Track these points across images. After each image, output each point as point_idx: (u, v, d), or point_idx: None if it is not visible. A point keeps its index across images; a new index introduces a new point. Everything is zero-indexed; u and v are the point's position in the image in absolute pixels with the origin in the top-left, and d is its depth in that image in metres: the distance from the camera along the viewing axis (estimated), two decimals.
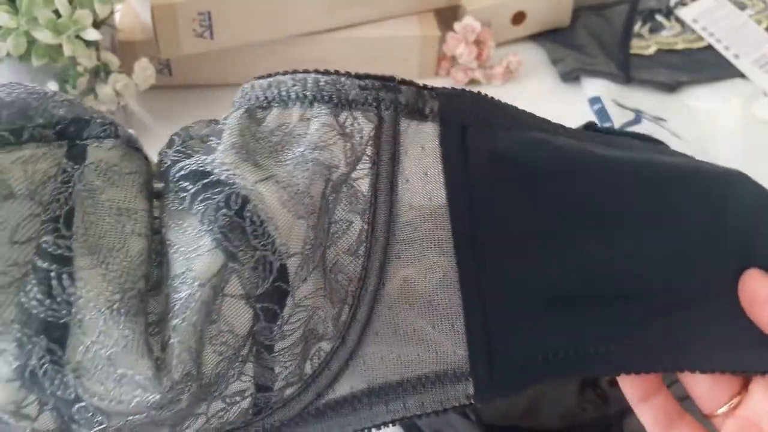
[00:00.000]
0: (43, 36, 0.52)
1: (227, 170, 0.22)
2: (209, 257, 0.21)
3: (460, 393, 0.26)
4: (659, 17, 0.68)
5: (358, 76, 0.24)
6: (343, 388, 0.26)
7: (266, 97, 0.24)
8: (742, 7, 0.67)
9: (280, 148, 0.24)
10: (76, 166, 0.22)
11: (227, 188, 0.22)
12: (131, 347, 0.21)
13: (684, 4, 0.68)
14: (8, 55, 0.54)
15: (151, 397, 0.21)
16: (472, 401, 0.26)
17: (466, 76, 0.63)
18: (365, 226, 0.25)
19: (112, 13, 0.55)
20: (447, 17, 0.64)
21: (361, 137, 0.24)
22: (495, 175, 0.25)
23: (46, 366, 0.21)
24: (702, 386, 0.29)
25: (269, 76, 0.24)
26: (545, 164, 0.26)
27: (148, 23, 0.57)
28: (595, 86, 0.61)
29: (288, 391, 0.26)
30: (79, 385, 0.21)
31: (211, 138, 0.24)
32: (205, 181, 0.22)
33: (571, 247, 0.26)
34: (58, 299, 0.21)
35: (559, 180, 0.26)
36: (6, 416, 0.22)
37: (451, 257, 0.25)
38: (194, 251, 0.22)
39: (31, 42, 0.53)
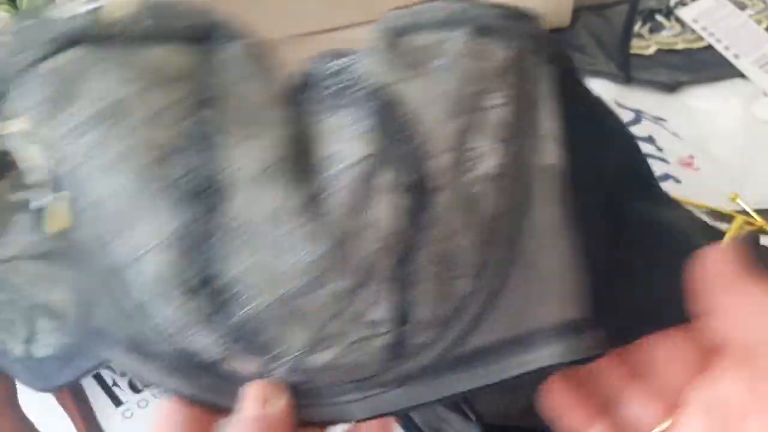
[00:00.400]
0: None
1: (377, 67, 0.24)
2: (361, 142, 0.23)
3: (589, 343, 0.25)
4: (659, 17, 0.68)
5: (495, 6, 0.25)
6: (481, 337, 0.25)
7: (404, 24, 0.25)
8: (742, 7, 0.67)
9: (421, 63, 0.24)
10: (215, 60, 0.24)
11: (377, 83, 0.23)
12: (293, 205, 0.22)
13: (684, 4, 0.68)
14: None
15: (308, 257, 0.22)
16: (598, 352, 0.25)
17: None
18: (504, 157, 0.24)
19: None
20: None
21: (497, 65, 0.24)
22: (590, 126, 0.26)
23: (209, 225, 0.22)
24: (635, 406, 0.28)
25: (406, 7, 0.25)
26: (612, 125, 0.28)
27: None
28: (594, 86, 0.60)
29: (423, 335, 0.25)
30: (234, 254, 0.22)
31: (353, 53, 0.26)
32: (356, 75, 0.23)
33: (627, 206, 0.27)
34: (218, 163, 0.22)
35: (617, 141, 0.28)
36: (162, 289, 0.23)
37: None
38: (344, 138, 0.23)
39: None
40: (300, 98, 0.26)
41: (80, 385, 0.38)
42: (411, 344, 0.26)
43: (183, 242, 0.22)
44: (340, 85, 0.24)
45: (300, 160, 0.23)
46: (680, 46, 0.66)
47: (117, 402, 0.38)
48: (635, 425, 0.28)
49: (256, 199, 0.22)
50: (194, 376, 0.26)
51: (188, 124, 0.23)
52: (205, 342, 0.25)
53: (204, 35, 0.25)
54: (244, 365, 0.25)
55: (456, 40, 0.24)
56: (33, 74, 0.23)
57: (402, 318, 0.25)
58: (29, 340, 0.32)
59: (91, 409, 0.37)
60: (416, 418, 0.44)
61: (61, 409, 0.37)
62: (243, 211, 0.22)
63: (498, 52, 0.25)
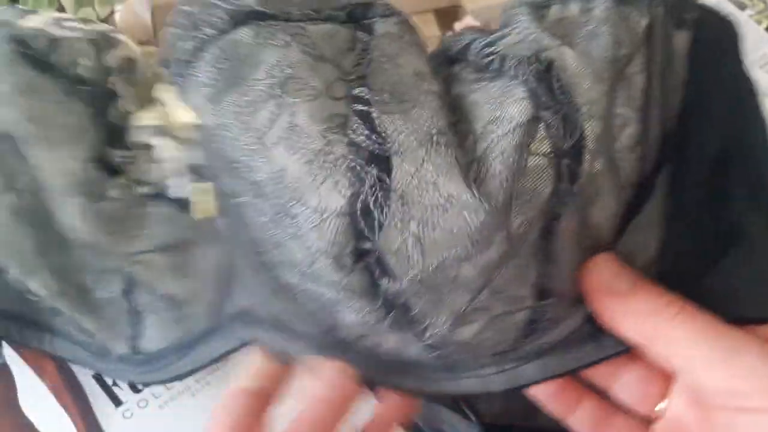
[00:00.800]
0: None
1: (529, 37, 0.24)
2: (522, 104, 0.23)
3: None
4: None
5: None
6: None
7: None
8: (742, 7, 0.68)
9: (568, 33, 0.25)
10: (370, 37, 0.25)
11: (532, 50, 0.24)
12: (455, 172, 0.22)
13: None
14: None
15: (467, 227, 0.22)
16: None
17: None
18: (640, 126, 0.25)
19: (112, 13, 0.55)
20: (447, 18, 0.64)
21: (637, 32, 0.25)
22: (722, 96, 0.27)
23: (377, 194, 0.22)
24: (629, 389, 0.29)
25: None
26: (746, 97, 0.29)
27: (148, 23, 0.57)
28: None
29: (560, 310, 0.26)
30: (395, 224, 0.22)
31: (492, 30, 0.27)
32: (508, 46, 0.24)
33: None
34: (382, 134, 0.23)
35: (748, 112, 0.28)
36: (323, 263, 0.24)
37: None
38: (504, 101, 0.23)
39: None
40: (451, 70, 0.26)
41: (80, 384, 0.38)
42: (547, 319, 0.27)
43: (351, 214, 0.23)
44: (493, 56, 0.24)
45: (459, 129, 0.24)
46: None
47: (117, 402, 0.38)
48: (628, 405, 0.29)
49: (419, 169, 0.23)
50: (339, 352, 0.27)
51: (352, 98, 0.23)
52: (354, 318, 0.25)
53: (360, 14, 0.25)
54: (386, 340, 0.27)
55: (599, 7, 0.25)
56: (205, 54, 0.24)
57: (541, 293, 0.26)
58: (135, 337, 0.33)
59: (91, 409, 0.37)
60: (416, 418, 0.44)
61: (61, 409, 0.37)
62: (405, 180, 0.23)
63: (638, 19, 0.25)
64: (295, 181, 0.23)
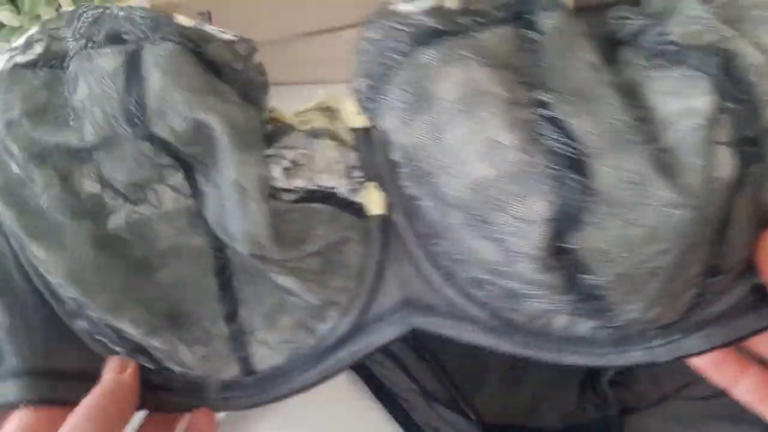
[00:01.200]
0: None
1: (705, 20, 0.24)
2: (709, 96, 0.23)
3: None
4: None
5: None
6: None
7: None
8: None
9: (738, 17, 0.25)
10: (538, 35, 0.25)
11: (710, 39, 0.24)
12: (652, 168, 0.23)
13: None
14: None
15: (669, 221, 0.22)
16: None
17: None
18: None
19: None
20: None
21: None
22: None
23: (582, 198, 0.23)
24: None
25: None
26: None
27: None
28: None
29: (726, 285, 0.27)
30: (596, 223, 0.23)
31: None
32: (689, 30, 0.24)
33: None
34: (575, 138, 0.23)
35: None
36: (526, 265, 0.24)
37: None
38: (689, 93, 0.23)
39: None
40: (618, 54, 0.26)
41: None
42: (712, 292, 0.27)
43: (556, 219, 0.23)
44: (672, 45, 0.24)
45: (643, 122, 0.24)
46: None
47: None
48: None
49: (618, 169, 0.23)
50: (509, 334, 0.29)
51: (537, 102, 0.24)
52: (543, 308, 0.27)
53: (522, 10, 0.25)
54: (557, 320, 0.28)
55: None
56: (394, 78, 0.25)
57: (712, 270, 0.26)
58: (247, 358, 0.32)
59: None
60: (416, 417, 0.44)
61: None
62: (606, 181, 0.23)
63: None
64: (497, 191, 0.23)
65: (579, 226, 0.23)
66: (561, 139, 0.23)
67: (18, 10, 0.53)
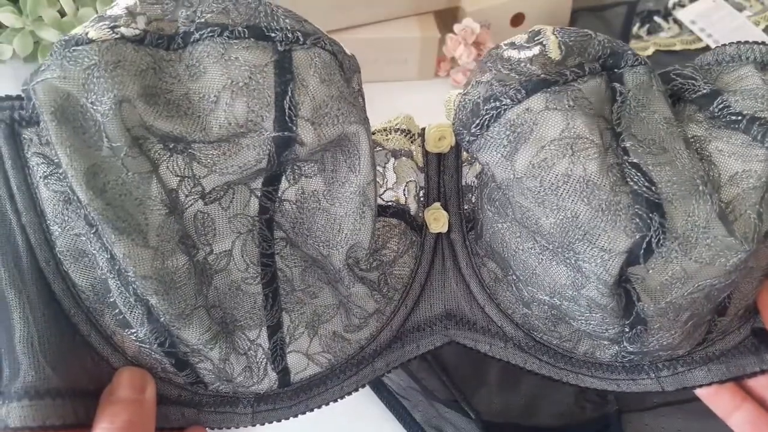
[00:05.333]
0: (49, 35, 0.52)
1: (762, 102, 0.28)
2: (765, 164, 0.27)
3: None
4: (657, 18, 0.69)
5: None
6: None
7: (764, 60, 0.30)
8: (740, 8, 0.68)
9: None
10: (625, 87, 0.28)
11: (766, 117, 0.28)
12: (717, 216, 0.26)
13: (682, 6, 0.69)
14: (13, 55, 0.54)
15: (735, 256, 0.26)
16: None
17: (465, 78, 0.63)
18: None
19: None
20: (446, 19, 0.65)
21: None
22: None
23: (659, 236, 0.26)
24: None
25: (765, 44, 0.30)
26: None
27: None
28: None
29: (731, 324, 0.32)
30: (674, 254, 0.27)
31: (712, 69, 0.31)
32: (753, 107, 0.28)
33: None
34: (656, 183, 0.27)
35: None
36: (595, 290, 0.27)
37: None
38: (749, 158, 0.28)
39: (37, 42, 0.54)
40: (683, 109, 0.30)
41: None
42: (717, 330, 0.32)
43: (633, 252, 0.26)
44: (740, 117, 0.28)
45: (707, 174, 0.28)
46: (678, 48, 0.66)
47: None
48: None
49: (691, 214, 0.27)
50: (538, 355, 0.34)
51: (623, 149, 0.27)
52: (590, 329, 0.30)
53: (612, 64, 0.29)
54: (582, 344, 0.33)
55: None
56: (502, 119, 0.27)
57: (720, 311, 0.31)
58: (286, 369, 0.32)
59: None
60: (417, 416, 0.45)
61: None
62: (677, 222, 0.27)
63: None
64: (586, 224, 0.27)
65: (648, 259, 0.27)
66: (644, 183, 0.27)
67: (20, 11, 0.53)
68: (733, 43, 0.30)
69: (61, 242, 0.27)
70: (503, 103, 0.27)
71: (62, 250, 0.28)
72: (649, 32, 0.68)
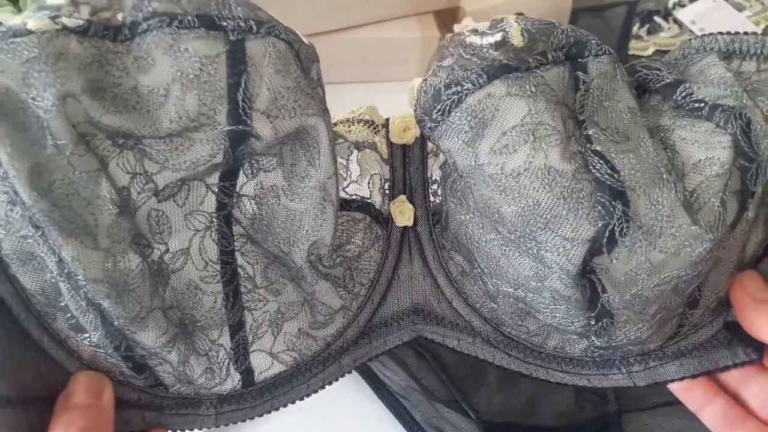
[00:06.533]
0: None
1: (727, 89, 0.28)
2: (729, 151, 0.27)
3: None
4: (657, 18, 0.69)
5: None
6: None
7: (731, 50, 0.30)
8: (740, 8, 0.68)
9: (753, 89, 0.29)
10: (589, 77, 0.28)
11: (735, 105, 0.28)
12: (682, 205, 0.26)
13: (682, 6, 0.69)
14: None
15: (700, 245, 0.26)
16: None
17: None
18: None
19: None
20: (446, 19, 0.65)
21: None
22: None
23: (623, 225, 0.26)
24: (757, 397, 0.32)
25: (728, 33, 0.30)
26: None
27: None
28: None
29: (703, 317, 0.31)
30: (637, 243, 0.26)
31: (681, 62, 0.31)
32: (717, 94, 0.28)
33: None
34: (619, 171, 0.26)
35: None
36: (558, 280, 0.27)
37: None
38: (713, 145, 0.27)
39: None
40: (647, 100, 0.30)
41: None
42: (689, 324, 0.31)
43: (596, 240, 0.26)
44: (703, 104, 0.28)
45: (671, 163, 0.27)
46: None
47: None
48: (756, 412, 0.32)
49: (651, 200, 0.26)
50: (506, 349, 0.34)
51: (585, 137, 0.27)
52: (556, 321, 0.30)
53: (576, 53, 0.28)
54: (551, 339, 0.33)
55: None
56: (462, 104, 0.27)
57: (694, 301, 0.30)
58: (249, 369, 0.31)
59: None
60: (417, 416, 0.45)
61: None
62: (641, 211, 0.26)
63: None
64: (548, 212, 0.26)
65: (612, 248, 0.26)
66: (607, 171, 0.26)
67: (20, 11, 0.53)
68: (698, 36, 0.30)
69: (6, 245, 0.26)
70: (465, 87, 0.27)
71: (8, 253, 0.26)
72: (649, 32, 0.68)
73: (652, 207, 0.26)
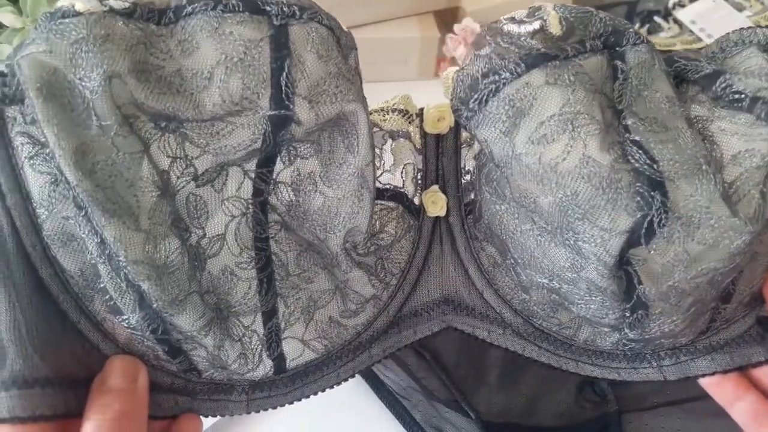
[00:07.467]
0: None
1: (763, 82, 0.28)
2: (767, 142, 0.27)
3: None
4: (657, 18, 0.69)
5: None
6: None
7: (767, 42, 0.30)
8: (740, 8, 0.68)
9: None
10: (627, 65, 0.28)
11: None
12: (721, 196, 0.26)
13: (682, 6, 0.69)
14: None
15: (739, 237, 0.26)
16: None
17: None
18: None
19: None
20: (446, 19, 0.65)
21: None
22: None
23: (661, 216, 0.26)
24: None
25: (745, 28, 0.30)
26: None
27: None
28: None
29: (736, 312, 0.31)
30: (676, 235, 0.26)
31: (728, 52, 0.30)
32: (758, 86, 0.27)
33: None
34: (658, 161, 0.26)
35: None
36: (595, 271, 0.27)
37: None
38: (754, 137, 0.27)
39: None
40: (686, 90, 0.29)
41: None
42: (721, 319, 0.31)
43: (635, 231, 0.26)
44: (743, 96, 0.28)
45: (710, 154, 0.27)
46: (678, 47, 0.66)
47: None
48: None
49: (693, 194, 0.26)
50: (537, 342, 0.34)
51: (624, 127, 0.27)
52: (591, 313, 0.30)
53: (614, 42, 0.28)
54: (582, 331, 0.32)
55: None
56: (501, 93, 0.27)
57: (727, 296, 0.30)
58: (281, 356, 0.32)
59: None
60: (417, 416, 0.45)
61: None
62: (680, 202, 0.26)
63: None
64: (586, 203, 0.26)
65: (650, 240, 0.26)
66: (646, 161, 0.26)
67: (20, 11, 0.53)
68: (736, 30, 0.30)
69: (48, 226, 0.26)
70: (502, 77, 0.27)
71: (49, 234, 0.26)
72: (649, 32, 0.68)
73: (691, 198, 0.26)
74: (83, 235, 0.25)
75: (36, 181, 0.26)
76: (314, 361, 0.32)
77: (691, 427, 0.43)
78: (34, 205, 0.26)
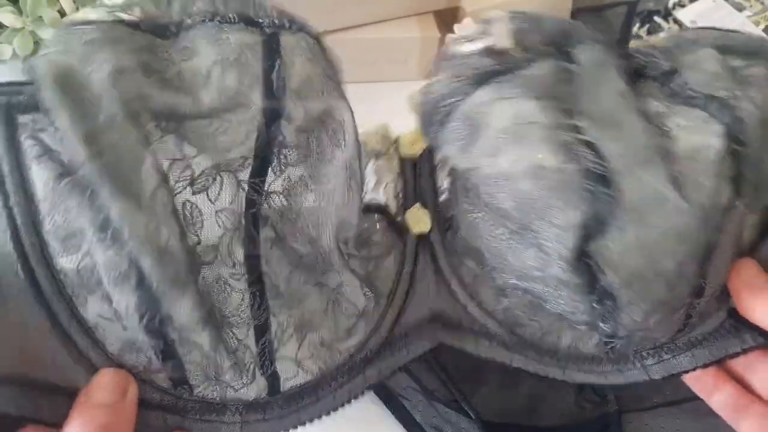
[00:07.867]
0: (49, 35, 0.52)
1: (716, 79, 0.29)
2: (722, 139, 0.28)
3: None
4: (657, 19, 0.69)
5: None
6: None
7: (723, 45, 0.31)
8: (740, 8, 0.68)
9: (742, 83, 0.30)
10: (578, 67, 0.29)
11: (724, 95, 0.29)
12: (669, 182, 0.27)
13: (682, 6, 0.69)
14: (13, 56, 0.54)
15: (685, 220, 0.27)
16: None
17: None
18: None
19: None
20: (446, 19, 0.65)
21: None
22: None
23: (613, 208, 0.27)
24: (763, 380, 0.32)
25: (720, 29, 0.32)
26: None
27: None
28: None
29: (710, 305, 0.32)
30: (626, 223, 0.27)
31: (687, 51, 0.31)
32: (711, 87, 0.29)
33: None
34: (606, 158, 0.27)
35: None
36: (557, 266, 0.28)
37: None
38: (707, 131, 0.28)
39: (37, 42, 0.54)
40: (641, 84, 0.31)
41: None
42: (698, 313, 0.32)
43: (587, 225, 0.27)
44: (698, 95, 0.29)
45: (664, 147, 0.28)
46: None
47: None
48: (762, 396, 0.32)
49: (638, 181, 0.27)
50: (523, 350, 0.34)
51: (575, 127, 0.28)
52: (563, 309, 0.30)
53: (564, 44, 0.29)
54: (565, 336, 0.33)
55: (760, 68, 0.30)
56: (455, 114, 0.29)
57: (699, 290, 0.31)
58: (275, 375, 0.31)
59: None
60: (417, 416, 0.45)
61: None
62: (629, 193, 0.27)
63: None
64: (542, 204, 0.28)
65: (604, 231, 0.27)
66: (594, 159, 0.27)
67: (20, 11, 0.53)
68: (691, 28, 0.32)
69: (49, 221, 0.27)
70: (457, 98, 0.29)
71: (49, 231, 0.27)
72: (649, 32, 0.68)
73: (641, 187, 0.27)
74: (84, 224, 0.26)
75: (41, 177, 0.27)
76: (308, 384, 0.32)
77: (691, 427, 0.43)
78: (37, 203, 0.27)
